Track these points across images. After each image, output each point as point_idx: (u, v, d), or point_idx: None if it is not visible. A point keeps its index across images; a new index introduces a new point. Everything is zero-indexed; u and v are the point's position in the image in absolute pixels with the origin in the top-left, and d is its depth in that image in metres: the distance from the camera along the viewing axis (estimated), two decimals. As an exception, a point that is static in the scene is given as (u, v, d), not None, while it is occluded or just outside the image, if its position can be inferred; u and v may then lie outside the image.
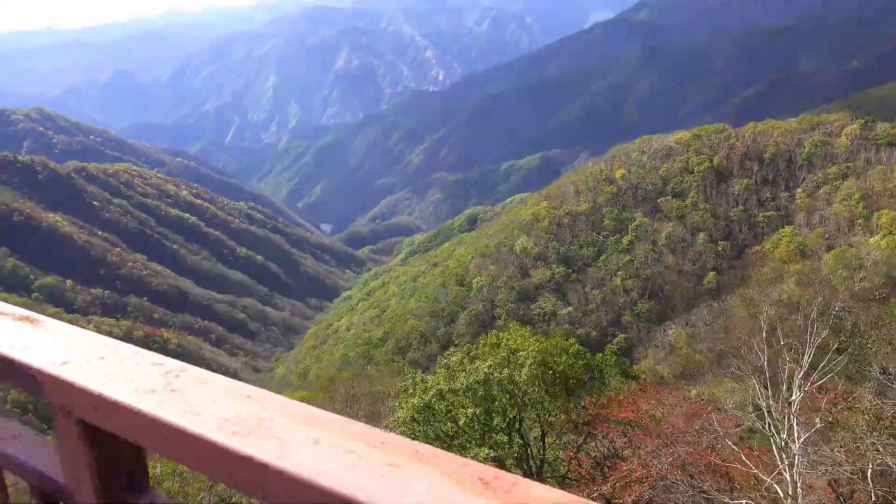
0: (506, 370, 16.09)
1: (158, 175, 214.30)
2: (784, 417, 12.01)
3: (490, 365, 16.03)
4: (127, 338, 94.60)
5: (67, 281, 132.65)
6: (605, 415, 15.71)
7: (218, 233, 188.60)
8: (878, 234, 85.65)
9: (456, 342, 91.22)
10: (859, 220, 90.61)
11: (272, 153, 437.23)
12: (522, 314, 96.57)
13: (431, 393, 16.28)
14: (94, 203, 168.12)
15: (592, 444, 17.16)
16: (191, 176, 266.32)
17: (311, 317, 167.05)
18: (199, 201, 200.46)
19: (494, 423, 16.48)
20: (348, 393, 30.27)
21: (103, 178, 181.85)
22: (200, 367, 1.11)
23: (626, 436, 15.21)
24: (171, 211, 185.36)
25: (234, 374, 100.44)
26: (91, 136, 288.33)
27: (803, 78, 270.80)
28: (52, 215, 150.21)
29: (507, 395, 16.34)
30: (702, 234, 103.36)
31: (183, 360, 1.15)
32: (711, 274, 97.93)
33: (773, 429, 12.10)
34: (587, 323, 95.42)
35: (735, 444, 13.16)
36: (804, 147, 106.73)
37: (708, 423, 13.30)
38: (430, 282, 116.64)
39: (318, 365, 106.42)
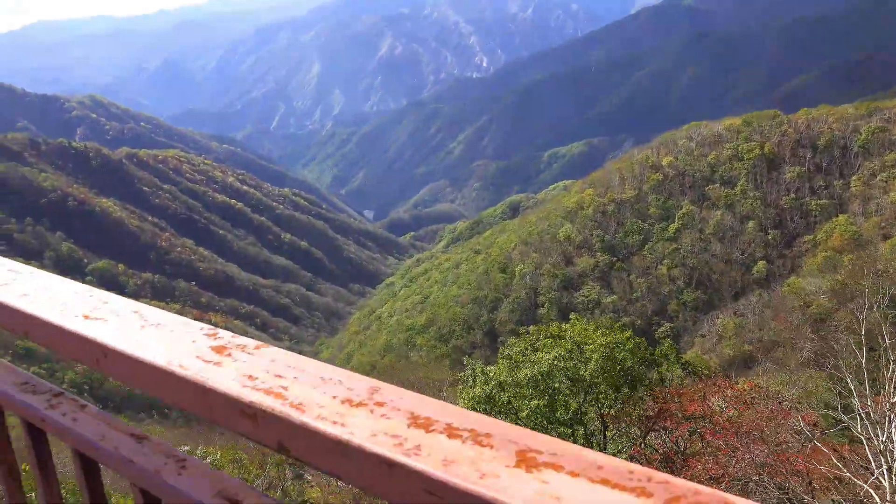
0: (571, 362, 15.84)
1: (206, 161, 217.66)
2: (884, 419, 11.53)
3: (555, 356, 15.82)
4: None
5: (119, 265, 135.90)
6: (669, 409, 15.33)
7: (263, 218, 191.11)
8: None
9: (499, 330, 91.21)
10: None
11: (316, 140, 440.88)
12: (566, 302, 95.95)
13: (493, 384, 16.15)
14: (145, 188, 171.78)
15: (657, 441, 16.76)
16: (237, 162, 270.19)
17: (354, 302, 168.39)
18: (244, 187, 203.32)
19: (558, 414, 16.27)
20: (401, 381, 30.29)
21: (153, 164, 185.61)
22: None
23: (696, 432, 14.78)
24: (218, 197, 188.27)
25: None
26: (141, 123, 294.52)
27: (856, 65, 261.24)
28: (104, 200, 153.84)
29: (570, 383, 16.07)
30: (751, 223, 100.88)
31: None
32: (761, 263, 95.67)
33: (869, 430, 11.64)
34: (632, 312, 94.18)
35: (821, 445, 12.69)
36: (860, 134, 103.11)
37: (792, 421, 12.86)
38: (473, 269, 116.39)
39: (361, 351, 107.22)
